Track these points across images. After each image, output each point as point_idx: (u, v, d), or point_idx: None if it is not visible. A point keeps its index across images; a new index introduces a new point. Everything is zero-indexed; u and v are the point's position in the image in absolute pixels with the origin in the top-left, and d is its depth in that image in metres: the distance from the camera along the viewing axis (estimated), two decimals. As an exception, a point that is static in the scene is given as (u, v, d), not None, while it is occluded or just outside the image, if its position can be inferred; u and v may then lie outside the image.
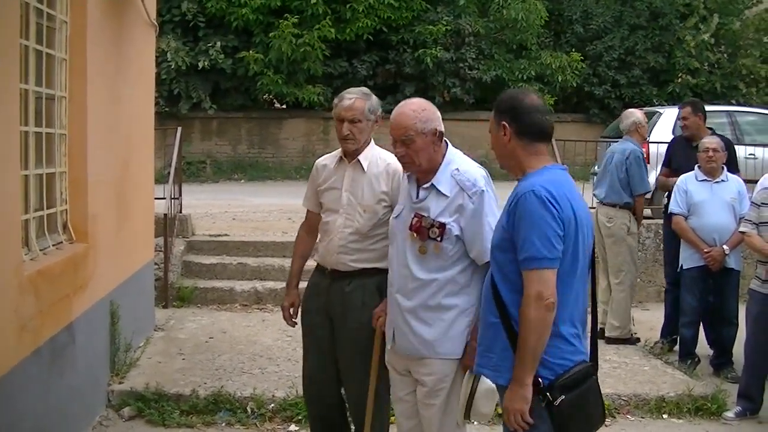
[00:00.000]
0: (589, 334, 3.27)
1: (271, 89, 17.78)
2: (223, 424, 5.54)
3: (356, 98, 4.21)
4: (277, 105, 19.27)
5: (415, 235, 3.64)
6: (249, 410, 5.64)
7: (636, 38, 19.26)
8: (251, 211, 11.94)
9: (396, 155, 3.75)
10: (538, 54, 19.01)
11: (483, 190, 3.63)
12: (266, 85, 17.54)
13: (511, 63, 18.88)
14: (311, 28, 17.26)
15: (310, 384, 4.46)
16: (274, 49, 17.17)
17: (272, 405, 5.66)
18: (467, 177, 3.64)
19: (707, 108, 11.22)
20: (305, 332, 4.45)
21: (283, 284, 8.46)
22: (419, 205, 3.69)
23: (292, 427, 5.52)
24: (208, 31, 17.91)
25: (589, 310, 3.37)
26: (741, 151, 10.66)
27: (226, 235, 9.84)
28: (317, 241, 4.49)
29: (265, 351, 6.83)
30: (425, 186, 3.70)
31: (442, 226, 3.59)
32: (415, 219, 3.65)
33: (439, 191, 3.66)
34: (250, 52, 17.30)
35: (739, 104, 17.51)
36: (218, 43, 17.47)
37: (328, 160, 4.44)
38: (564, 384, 3.07)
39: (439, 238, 3.60)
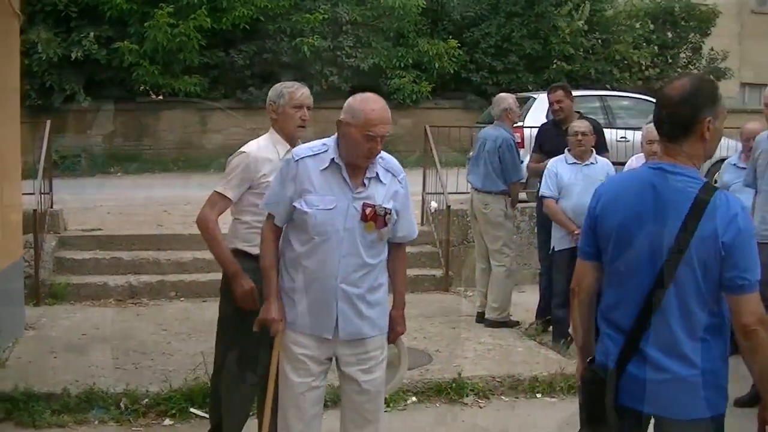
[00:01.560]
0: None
1: (147, 80, 17.38)
2: (96, 422, 5.41)
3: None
4: (154, 96, 18.88)
5: (373, 224, 3.76)
6: (122, 406, 5.52)
7: (512, 25, 19.57)
8: (126, 205, 11.66)
9: (375, 151, 3.76)
10: (416, 41, 19.13)
11: (404, 174, 3.93)
12: (142, 76, 17.12)
13: (388, 51, 18.92)
14: (187, 17, 16.93)
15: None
16: (150, 40, 16.77)
17: (146, 400, 5.57)
18: (392, 163, 3.90)
19: (581, 93, 11.62)
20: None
21: (159, 277, 8.58)
22: (364, 194, 3.78)
23: (167, 421, 5.45)
24: (80, 21, 17.31)
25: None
26: (613, 134, 11.06)
27: (99, 229, 9.62)
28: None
29: (139, 346, 6.72)
30: (369, 176, 3.80)
31: (391, 211, 3.80)
32: (369, 209, 3.75)
33: (379, 179, 3.81)
34: (125, 42, 16.86)
35: (612, 89, 18.08)
36: (91, 34, 16.91)
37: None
38: None
39: (389, 224, 3.80)
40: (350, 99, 3.79)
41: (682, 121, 3.06)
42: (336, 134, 3.82)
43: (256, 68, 18.31)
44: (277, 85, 4.61)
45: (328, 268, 3.77)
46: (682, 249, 3.05)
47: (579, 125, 6.91)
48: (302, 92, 4.58)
